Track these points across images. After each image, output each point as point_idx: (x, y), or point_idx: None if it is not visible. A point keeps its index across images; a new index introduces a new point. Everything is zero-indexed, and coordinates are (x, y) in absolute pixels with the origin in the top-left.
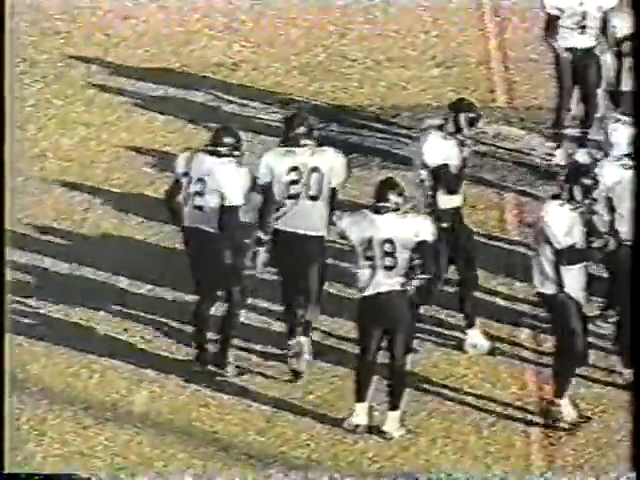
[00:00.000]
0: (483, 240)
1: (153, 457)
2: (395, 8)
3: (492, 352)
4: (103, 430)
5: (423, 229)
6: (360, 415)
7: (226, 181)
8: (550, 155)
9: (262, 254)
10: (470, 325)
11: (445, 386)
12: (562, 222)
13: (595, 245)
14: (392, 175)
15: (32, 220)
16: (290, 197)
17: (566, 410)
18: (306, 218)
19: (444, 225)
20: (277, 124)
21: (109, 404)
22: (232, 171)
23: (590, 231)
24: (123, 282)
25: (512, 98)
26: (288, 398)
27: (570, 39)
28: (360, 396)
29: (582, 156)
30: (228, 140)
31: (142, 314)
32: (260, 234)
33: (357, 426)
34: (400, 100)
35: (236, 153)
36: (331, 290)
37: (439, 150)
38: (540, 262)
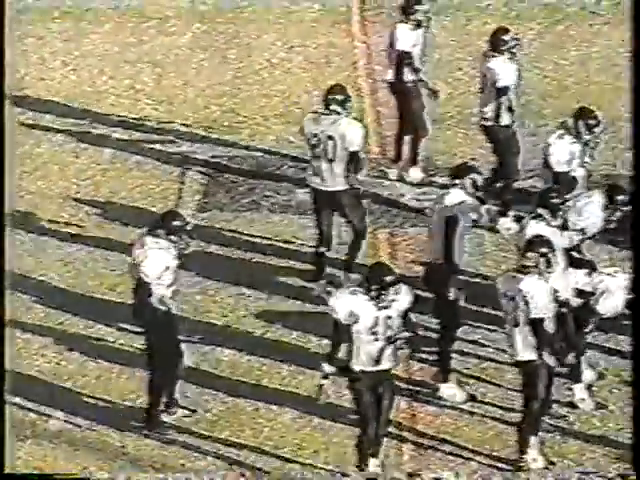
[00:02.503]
0: None
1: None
2: (279, 70)
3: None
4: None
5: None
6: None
7: None
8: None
9: (300, 195)
10: (445, 379)
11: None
12: (542, 293)
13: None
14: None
15: None
16: (314, 158)
17: (532, 459)
18: (324, 177)
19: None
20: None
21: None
22: None
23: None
24: None
25: (384, 151)
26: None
27: None
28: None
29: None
30: None
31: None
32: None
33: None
34: (286, 152)
35: None
36: None
37: None
38: (517, 331)
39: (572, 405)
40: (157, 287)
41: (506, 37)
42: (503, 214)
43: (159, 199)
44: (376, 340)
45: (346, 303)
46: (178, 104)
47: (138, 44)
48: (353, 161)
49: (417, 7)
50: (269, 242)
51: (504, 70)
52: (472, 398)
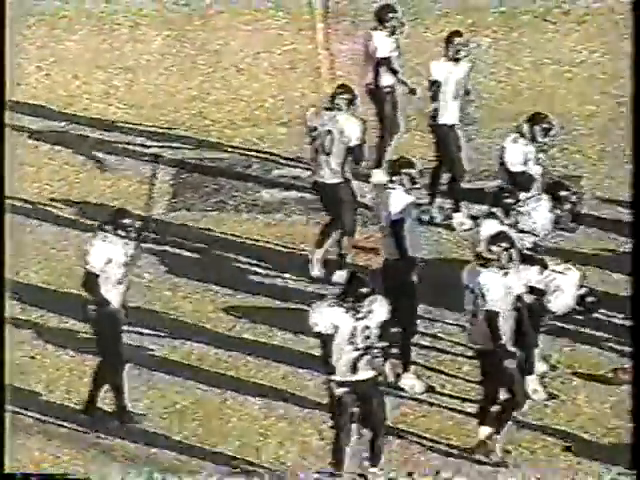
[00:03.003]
0: None
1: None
2: (246, 76)
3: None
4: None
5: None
6: None
7: None
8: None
9: None
10: (405, 369)
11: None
12: (499, 287)
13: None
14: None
15: None
16: (314, 151)
17: (498, 448)
18: (322, 170)
19: None
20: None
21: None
22: None
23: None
24: None
25: None
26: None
27: None
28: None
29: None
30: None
31: None
32: None
33: None
34: (252, 153)
35: None
36: None
37: None
38: (477, 322)
39: (526, 396)
40: (104, 281)
41: (457, 40)
42: (455, 210)
43: (130, 199)
44: (355, 350)
45: (325, 316)
46: (149, 108)
47: (110, 50)
48: (353, 155)
49: (391, 15)
50: (236, 240)
51: (443, 71)
52: (430, 389)
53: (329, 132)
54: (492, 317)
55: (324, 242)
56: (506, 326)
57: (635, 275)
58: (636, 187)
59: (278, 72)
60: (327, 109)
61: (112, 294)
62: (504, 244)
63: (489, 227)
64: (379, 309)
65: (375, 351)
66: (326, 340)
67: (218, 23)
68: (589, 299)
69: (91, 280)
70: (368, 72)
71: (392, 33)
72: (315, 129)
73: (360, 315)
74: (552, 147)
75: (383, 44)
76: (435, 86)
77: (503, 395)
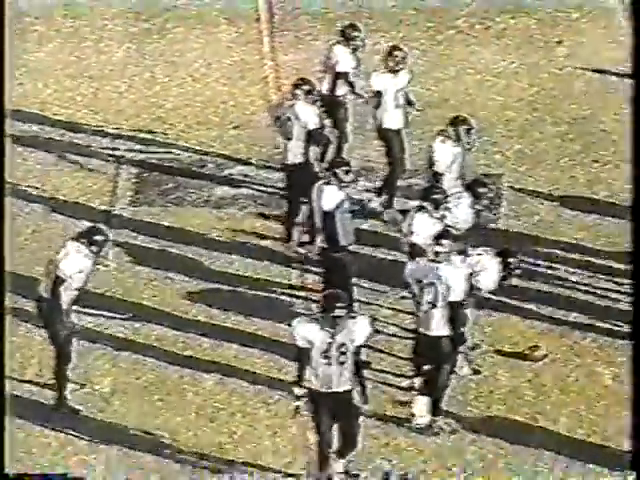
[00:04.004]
0: None
1: None
2: (200, 84)
3: None
4: None
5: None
6: None
7: None
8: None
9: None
10: None
11: None
12: (459, 277)
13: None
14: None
15: None
16: (282, 138)
17: (420, 415)
18: (287, 153)
19: None
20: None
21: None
22: None
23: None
24: None
25: None
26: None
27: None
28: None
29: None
30: None
31: None
32: None
33: None
34: (206, 153)
35: None
36: None
37: None
38: (435, 312)
39: (453, 371)
40: (67, 286)
41: (397, 53)
42: (388, 206)
43: (96, 195)
44: (329, 365)
45: (303, 330)
46: (112, 113)
47: (77, 61)
48: (312, 138)
49: (356, 33)
50: (192, 232)
51: (383, 82)
52: (367, 364)
53: (289, 119)
54: (455, 307)
55: (292, 232)
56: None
57: (635, 273)
58: (636, 189)
59: (229, 80)
60: (287, 99)
61: (67, 296)
62: (450, 240)
63: (420, 220)
64: (359, 330)
65: (350, 366)
66: (301, 353)
67: (175, 37)
68: (511, 261)
69: (59, 284)
70: (325, 82)
71: (355, 50)
72: (278, 118)
73: (336, 331)
74: (474, 148)
75: (345, 59)
76: (377, 96)
77: (431, 368)
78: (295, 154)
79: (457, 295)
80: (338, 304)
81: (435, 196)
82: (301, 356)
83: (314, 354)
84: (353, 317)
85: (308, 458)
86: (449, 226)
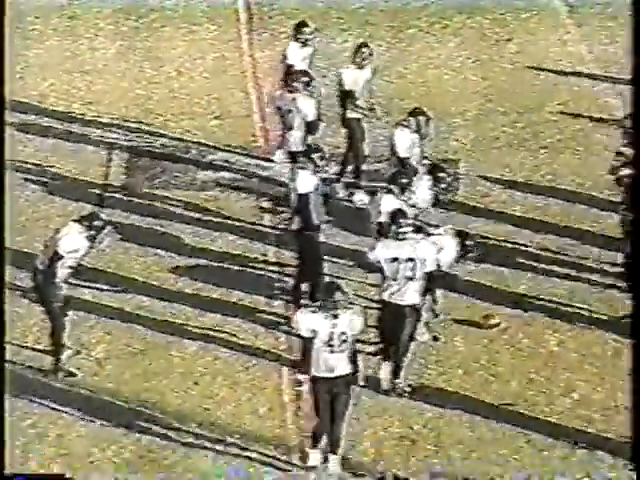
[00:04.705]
0: None
1: None
2: (185, 78)
3: None
4: None
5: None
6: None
7: None
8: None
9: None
10: None
11: None
12: (432, 251)
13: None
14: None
15: None
16: (283, 126)
17: (385, 377)
18: (289, 141)
19: None
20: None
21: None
22: None
23: None
24: None
25: (268, 141)
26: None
27: None
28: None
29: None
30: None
31: None
32: None
33: (313, 467)
34: (190, 141)
35: None
36: None
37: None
38: (411, 284)
39: (414, 338)
40: (65, 261)
41: (363, 50)
42: (357, 188)
43: (90, 178)
44: (331, 352)
45: (307, 321)
46: (105, 104)
47: (73, 57)
48: (310, 128)
49: (304, 29)
50: (177, 212)
51: (352, 77)
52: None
53: (290, 111)
54: (430, 277)
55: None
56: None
57: (635, 274)
58: (636, 189)
59: (211, 75)
60: (289, 91)
61: (61, 272)
62: (409, 219)
63: (387, 201)
64: (355, 320)
65: (349, 353)
66: (306, 342)
67: (161, 35)
68: (469, 243)
69: (56, 260)
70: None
71: (304, 44)
72: (280, 109)
73: (337, 321)
74: (432, 136)
75: (294, 54)
76: (349, 94)
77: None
78: (296, 143)
79: (431, 266)
80: (336, 294)
81: (401, 180)
82: (305, 345)
83: (317, 342)
84: (350, 308)
85: (282, 417)
86: (412, 206)
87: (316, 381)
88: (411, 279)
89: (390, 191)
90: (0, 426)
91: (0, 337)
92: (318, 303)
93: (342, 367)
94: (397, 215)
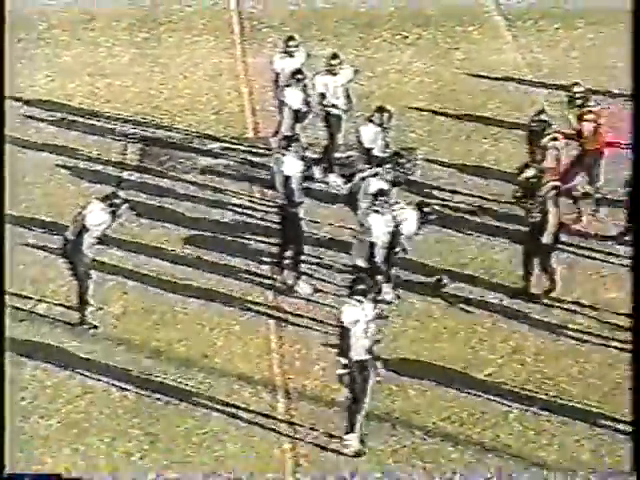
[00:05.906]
0: None
1: None
2: (188, 80)
3: None
4: None
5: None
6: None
7: None
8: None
9: None
10: (298, 278)
11: None
12: (382, 224)
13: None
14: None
15: None
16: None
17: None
18: (283, 128)
19: None
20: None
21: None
22: None
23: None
24: None
25: (257, 133)
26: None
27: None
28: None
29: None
30: None
31: None
32: None
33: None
34: (193, 132)
35: None
36: None
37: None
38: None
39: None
40: (90, 233)
41: (334, 60)
42: (330, 172)
43: (109, 165)
44: (365, 338)
45: (351, 313)
46: (121, 102)
47: (94, 63)
48: (297, 117)
49: (290, 42)
50: (181, 192)
51: (325, 82)
52: (316, 290)
53: (282, 102)
54: (373, 245)
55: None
56: (381, 250)
57: (635, 272)
58: (636, 188)
59: (210, 78)
60: (286, 86)
61: (87, 242)
62: (383, 197)
63: (374, 183)
64: (373, 308)
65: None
66: (346, 331)
67: (169, 44)
68: (426, 210)
69: (83, 232)
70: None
71: (290, 55)
72: (282, 102)
73: (372, 311)
74: (393, 129)
75: (280, 62)
76: (320, 94)
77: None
78: (286, 128)
79: (377, 237)
80: (372, 287)
81: (387, 166)
82: (345, 333)
83: (356, 330)
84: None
85: (269, 362)
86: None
87: (353, 365)
88: (361, 242)
89: (376, 174)
90: (0, 426)
91: (0, 338)
92: (358, 297)
93: (367, 351)
94: (380, 193)
